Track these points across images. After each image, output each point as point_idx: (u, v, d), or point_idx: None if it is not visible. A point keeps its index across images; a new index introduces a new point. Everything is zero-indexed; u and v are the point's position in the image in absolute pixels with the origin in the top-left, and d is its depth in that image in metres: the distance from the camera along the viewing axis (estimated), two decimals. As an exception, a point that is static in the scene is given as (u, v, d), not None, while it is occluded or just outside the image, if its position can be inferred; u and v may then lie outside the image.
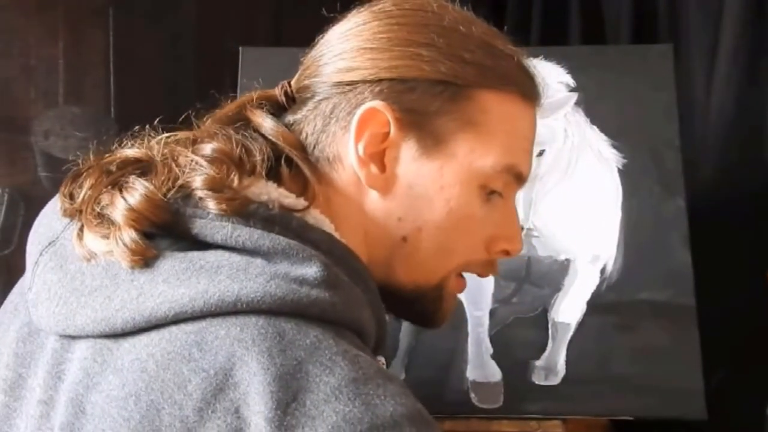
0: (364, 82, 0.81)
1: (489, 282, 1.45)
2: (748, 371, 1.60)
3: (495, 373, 1.42)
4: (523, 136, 0.86)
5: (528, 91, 0.85)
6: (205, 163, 0.76)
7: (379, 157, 0.81)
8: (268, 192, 0.77)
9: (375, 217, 0.82)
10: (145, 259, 0.71)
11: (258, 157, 0.79)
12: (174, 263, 0.71)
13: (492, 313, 1.45)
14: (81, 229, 0.75)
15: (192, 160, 0.76)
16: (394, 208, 0.82)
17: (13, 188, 1.62)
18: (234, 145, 0.78)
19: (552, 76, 1.50)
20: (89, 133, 1.61)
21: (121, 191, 0.74)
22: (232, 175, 0.75)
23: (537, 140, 1.45)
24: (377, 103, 0.79)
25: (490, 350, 1.42)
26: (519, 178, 0.86)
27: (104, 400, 0.67)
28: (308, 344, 0.66)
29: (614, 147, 1.49)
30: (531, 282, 1.46)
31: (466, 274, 0.89)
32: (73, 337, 0.72)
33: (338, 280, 0.72)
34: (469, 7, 0.87)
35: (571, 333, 1.43)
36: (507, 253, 0.88)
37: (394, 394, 0.66)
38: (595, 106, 1.50)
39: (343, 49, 0.83)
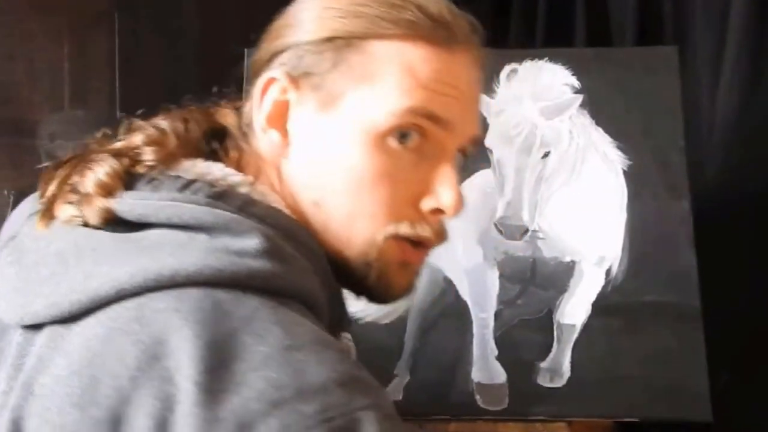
0: (273, 54, 0.84)
1: (494, 284, 1.45)
2: (753, 373, 1.60)
3: (500, 375, 1.42)
4: (432, 79, 0.80)
5: (437, 35, 0.81)
6: (152, 129, 0.82)
7: (283, 124, 0.82)
8: (212, 171, 0.79)
9: (289, 185, 0.83)
10: (108, 220, 0.75)
11: (201, 135, 0.84)
12: (119, 244, 0.73)
13: (497, 314, 1.45)
14: (49, 206, 0.78)
15: (143, 128, 0.83)
16: (301, 172, 0.82)
17: (18, 191, 1.62)
18: (184, 123, 0.84)
19: (557, 78, 1.50)
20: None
21: (92, 167, 0.78)
22: (173, 142, 0.81)
23: (542, 142, 1.47)
24: (274, 72, 0.82)
25: (495, 352, 1.42)
26: (438, 121, 0.81)
27: (51, 381, 0.69)
28: (244, 315, 0.67)
29: (619, 149, 1.49)
30: (536, 284, 1.46)
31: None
32: (35, 329, 0.74)
33: (281, 252, 0.73)
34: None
35: (576, 335, 1.43)
36: (440, 211, 0.82)
37: (329, 360, 0.67)
38: (600, 107, 1.50)
39: (269, 32, 0.87)
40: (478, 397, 1.42)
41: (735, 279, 1.61)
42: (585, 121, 1.49)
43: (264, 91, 0.82)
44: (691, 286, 1.42)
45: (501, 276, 1.46)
